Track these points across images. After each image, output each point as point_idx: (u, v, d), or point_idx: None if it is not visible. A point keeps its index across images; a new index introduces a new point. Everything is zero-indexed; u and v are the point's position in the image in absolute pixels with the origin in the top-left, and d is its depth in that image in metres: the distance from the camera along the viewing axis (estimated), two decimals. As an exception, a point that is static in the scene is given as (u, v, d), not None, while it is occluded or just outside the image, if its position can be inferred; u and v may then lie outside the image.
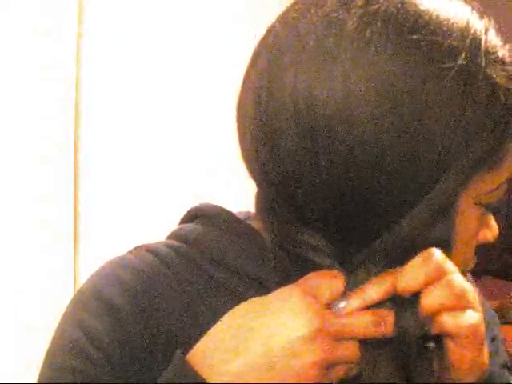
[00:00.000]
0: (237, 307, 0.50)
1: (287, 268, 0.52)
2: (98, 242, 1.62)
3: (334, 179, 0.48)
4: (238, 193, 1.78)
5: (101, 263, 0.59)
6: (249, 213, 0.62)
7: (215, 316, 0.52)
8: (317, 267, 0.50)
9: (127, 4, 1.66)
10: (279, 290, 0.50)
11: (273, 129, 0.50)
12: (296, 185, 0.50)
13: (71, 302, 0.57)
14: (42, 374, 0.55)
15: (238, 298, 0.54)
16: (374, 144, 0.47)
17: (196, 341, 0.50)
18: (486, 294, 0.53)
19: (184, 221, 0.62)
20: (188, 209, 0.63)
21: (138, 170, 1.69)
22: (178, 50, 1.74)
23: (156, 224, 1.61)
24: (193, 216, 0.61)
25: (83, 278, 0.57)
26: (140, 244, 0.60)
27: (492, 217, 0.56)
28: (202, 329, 0.52)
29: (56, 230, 1.55)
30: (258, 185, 0.55)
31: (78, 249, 1.59)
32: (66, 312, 0.57)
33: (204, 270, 0.56)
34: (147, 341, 0.53)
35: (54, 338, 0.56)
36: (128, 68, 1.67)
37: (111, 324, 0.53)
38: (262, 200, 0.56)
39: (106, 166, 1.65)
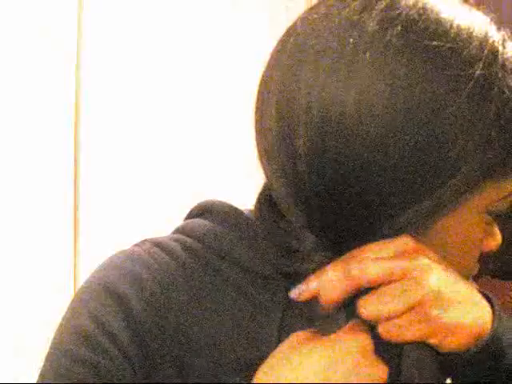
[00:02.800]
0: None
1: (281, 262, 0.53)
2: (97, 240, 1.62)
3: (343, 179, 0.49)
4: (238, 191, 1.78)
5: (100, 262, 0.58)
6: (252, 210, 0.62)
7: (222, 311, 0.52)
8: (309, 261, 0.51)
9: (127, 4, 1.66)
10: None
11: (290, 128, 0.50)
12: (309, 184, 0.50)
13: (81, 292, 0.56)
14: (48, 362, 0.54)
15: (244, 294, 0.54)
16: (386, 146, 0.47)
17: (202, 336, 0.51)
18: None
19: (190, 216, 0.62)
20: (193, 205, 0.63)
21: (138, 168, 1.69)
22: (178, 50, 1.74)
23: (156, 223, 1.61)
24: (199, 212, 0.61)
25: (82, 276, 0.57)
26: (146, 238, 0.60)
27: (496, 226, 0.56)
28: (208, 324, 0.52)
29: (56, 229, 1.55)
30: (273, 184, 0.55)
31: (77, 248, 1.59)
32: (74, 302, 0.56)
33: (211, 265, 0.56)
34: (157, 337, 0.53)
35: (62, 327, 0.55)
36: (128, 67, 1.67)
37: (126, 321, 0.53)
38: (268, 200, 0.56)
39: (106, 164, 1.65)
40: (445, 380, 0.53)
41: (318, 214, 0.51)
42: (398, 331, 0.48)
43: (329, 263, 0.50)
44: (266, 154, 0.54)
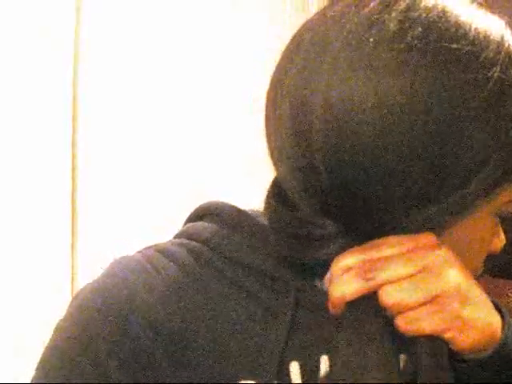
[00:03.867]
0: None
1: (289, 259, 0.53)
2: (95, 240, 1.62)
3: (360, 175, 0.49)
4: (238, 191, 1.78)
5: (98, 263, 0.58)
6: (255, 211, 0.61)
7: (230, 314, 0.52)
8: (330, 246, 0.51)
9: (126, 4, 1.66)
10: None
11: (306, 124, 0.50)
12: (325, 180, 0.50)
13: (78, 306, 0.54)
14: (41, 372, 0.53)
15: (252, 296, 0.54)
16: (405, 145, 0.48)
17: (209, 341, 0.51)
18: (486, 293, 0.53)
19: (191, 219, 0.61)
20: (193, 206, 0.62)
21: (136, 168, 1.69)
22: (178, 49, 1.74)
23: (155, 225, 1.62)
24: (201, 214, 0.60)
25: (80, 275, 0.56)
26: (149, 245, 0.59)
27: (501, 227, 0.57)
28: (216, 329, 0.52)
29: (53, 229, 1.55)
30: (288, 179, 0.54)
31: (75, 248, 1.59)
32: (68, 321, 0.54)
33: (218, 268, 0.55)
34: (160, 354, 0.52)
35: (51, 348, 0.54)
36: (127, 68, 1.67)
37: (119, 344, 0.51)
38: (278, 194, 0.56)
39: (104, 164, 1.64)
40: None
41: (334, 207, 0.51)
42: (416, 323, 0.48)
43: (348, 248, 0.50)
44: (280, 150, 0.53)
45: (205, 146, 1.78)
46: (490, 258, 0.58)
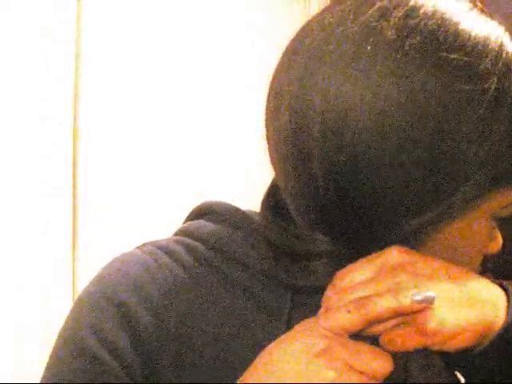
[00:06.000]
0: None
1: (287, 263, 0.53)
2: (96, 240, 1.62)
3: (356, 182, 0.49)
4: (239, 191, 1.77)
5: (99, 263, 0.58)
6: (253, 211, 0.61)
7: (227, 313, 0.52)
8: (320, 262, 0.51)
9: (127, 4, 1.66)
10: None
11: (303, 131, 0.50)
12: (322, 186, 0.50)
13: (82, 301, 0.55)
14: (49, 373, 0.54)
15: (250, 294, 0.54)
16: (400, 154, 0.48)
17: (207, 339, 0.51)
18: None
19: (191, 218, 0.62)
20: (193, 206, 0.62)
21: (137, 168, 1.69)
22: (178, 49, 1.74)
23: (155, 224, 1.61)
24: (200, 213, 0.61)
25: (81, 275, 0.57)
26: (148, 241, 0.59)
27: (498, 230, 0.57)
28: (213, 327, 0.52)
29: (54, 229, 1.55)
30: (285, 185, 0.55)
31: (76, 246, 1.59)
32: (75, 311, 0.55)
33: (216, 266, 0.55)
34: (160, 345, 0.53)
35: (62, 338, 0.54)
36: (128, 68, 1.67)
37: (127, 331, 0.52)
38: (274, 204, 0.56)
39: (105, 164, 1.65)
40: (459, 379, 0.52)
41: (330, 215, 0.51)
42: (396, 342, 0.47)
43: (341, 265, 0.50)
44: (278, 156, 0.54)
45: (205, 146, 1.78)
46: (492, 257, 0.58)
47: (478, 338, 0.49)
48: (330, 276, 0.51)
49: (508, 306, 0.51)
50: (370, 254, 0.50)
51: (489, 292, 0.51)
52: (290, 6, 1.89)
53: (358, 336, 0.48)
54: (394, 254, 0.49)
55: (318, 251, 0.51)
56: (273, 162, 0.56)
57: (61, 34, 1.53)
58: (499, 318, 0.50)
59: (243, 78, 1.81)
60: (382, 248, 0.50)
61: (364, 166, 0.48)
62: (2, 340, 1.45)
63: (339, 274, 0.50)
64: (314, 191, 0.51)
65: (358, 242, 0.51)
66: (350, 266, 0.50)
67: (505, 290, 0.52)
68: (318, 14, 0.54)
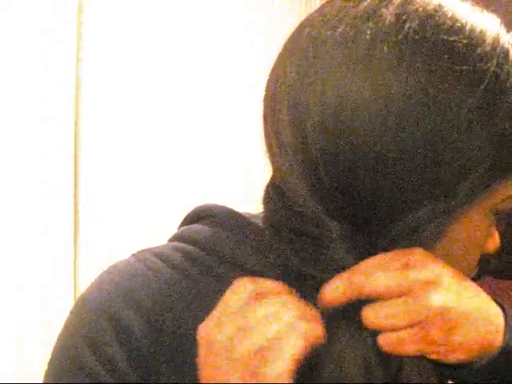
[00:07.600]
0: None
1: (288, 262, 0.52)
2: (97, 241, 1.62)
3: (357, 169, 0.48)
4: (239, 191, 1.78)
5: (100, 263, 0.57)
6: (250, 214, 0.61)
7: None
8: (322, 260, 0.50)
9: (127, 4, 1.66)
10: None
11: (303, 117, 0.50)
12: (323, 175, 0.50)
13: (77, 314, 0.54)
14: None
15: None
16: (401, 140, 0.47)
17: None
18: (486, 293, 0.53)
19: (187, 222, 0.61)
20: (190, 210, 0.61)
21: (138, 169, 1.69)
22: (178, 49, 1.74)
23: (156, 224, 1.62)
24: (196, 217, 0.60)
25: (82, 276, 0.56)
26: (144, 248, 0.58)
27: (495, 228, 0.56)
28: None
29: (55, 229, 1.55)
30: (286, 175, 0.54)
31: (77, 246, 1.59)
32: (70, 325, 0.54)
33: (214, 271, 0.55)
34: (157, 356, 0.52)
35: (58, 352, 0.54)
36: (128, 68, 1.67)
37: (123, 344, 0.51)
38: (277, 192, 0.55)
39: (106, 164, 1.65)
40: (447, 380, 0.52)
41: (333, 203, 0.50)
42: (397, 345, 0.47)
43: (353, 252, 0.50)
44: (278, 145, 0.53)
45: (205, 146, 1.78)
46: (492, 258, 0.58)
47: (476, 356, 0.49)
48: (350, 265, 0.50)
49: (505, 326, 0.51)
50: (380, 245, 0.50)
51: (493, 310, 0.51)
52: (290, 6, 1.89)
53: (360, 330, 0.48)
54: (418, 251, 0.49)
55: (331, 236, 0.50)
56: (272, 157, 0.55)
57: (61, 34, 1.53)
58: (499, 336, 0.50)
59: (243, 78, 1.81)
60: (391, 239, 0.49)
61: (364, 152, 0.48)
62: (2, 340, 1.45)
63: (361, 263, 0.49)
64: (317, 184, 0.50)
65: (363, 230, 0.50)
66: (371, 259, 0.49)
67: (502, 308, 0.52)
68: (319, 7, 0.54)
